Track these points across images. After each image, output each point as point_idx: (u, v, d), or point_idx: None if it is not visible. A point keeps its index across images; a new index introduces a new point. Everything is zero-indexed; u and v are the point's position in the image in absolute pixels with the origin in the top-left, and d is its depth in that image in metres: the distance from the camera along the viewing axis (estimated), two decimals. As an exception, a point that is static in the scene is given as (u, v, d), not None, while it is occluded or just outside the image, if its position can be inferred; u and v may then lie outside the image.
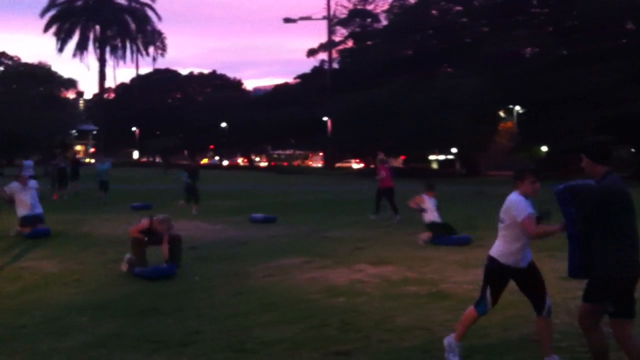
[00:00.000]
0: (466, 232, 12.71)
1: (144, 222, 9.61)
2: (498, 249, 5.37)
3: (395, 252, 11.23)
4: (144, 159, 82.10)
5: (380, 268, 9.68)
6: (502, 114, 50.54)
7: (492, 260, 5.38)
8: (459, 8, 51.74)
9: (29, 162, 26.14)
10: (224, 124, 74.21)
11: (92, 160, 75.35)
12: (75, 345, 5.94)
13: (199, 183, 19.20)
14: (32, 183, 13.90)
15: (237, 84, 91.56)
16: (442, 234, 12.27)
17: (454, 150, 56.61)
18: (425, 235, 12.26)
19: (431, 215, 12.60)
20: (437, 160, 65.22)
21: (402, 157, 65.53)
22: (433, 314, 6.92)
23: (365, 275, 9.11)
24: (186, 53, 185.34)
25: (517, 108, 48.73)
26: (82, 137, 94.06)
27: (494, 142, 50.33)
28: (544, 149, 47.23)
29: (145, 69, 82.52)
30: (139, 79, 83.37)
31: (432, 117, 40.56)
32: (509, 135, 51.57)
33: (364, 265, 9.93)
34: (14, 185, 13.49)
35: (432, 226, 12.47)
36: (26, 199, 13.31)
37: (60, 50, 36.86)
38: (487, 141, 48.30)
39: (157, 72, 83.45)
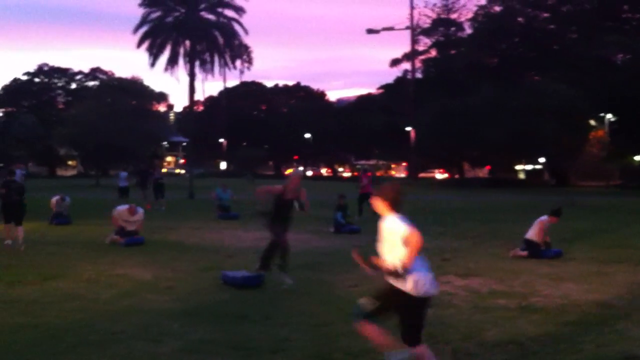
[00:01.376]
0: (556, 246, 12.35)
1: (276, 188, 9.58)
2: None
3: (482, 264, 11.06)
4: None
5: (468, 280, 9.55)
6: (592, 122, 48.92)
7: None
8: (546, 15, 50.58)
9: (124, 174, 27.40)
10: (308, 135, 74.98)
11: (182, 171, 77.58)
12: (168, 350, 6.12)
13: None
14: (139, 214, 14.30)
15: (321, 95, 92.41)
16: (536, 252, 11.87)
17: (541, 159, 55.20)
18: (519, 252, 11.91)
19: (535, 235, 11.96)
20: (524, 170, 63.70)
21: (487, 167, 64.36)
22: (523, 328, 6.77)
23: (453, 287, 9.01)
24: (271, 65, 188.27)
25: (609, 116, 47.07)
26: (173, 149, 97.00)
27: (584, 151, 48.75)
28: (638, 158, 45.42)
29: (232, 81, 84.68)
30: (226, 92, 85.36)
31: (519, 125, 39.73)
32: (600, 144, 49.85)
33: (451, 277, 9.82)
34: (122, 213, 14.06)
35: (530, 244, 11.97)
36: (129, 229, 13.97)
37: (152, 65, 38.07)
38: (577, 150, 46.86)
39: (243, 84, 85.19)
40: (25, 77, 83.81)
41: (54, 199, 18.42)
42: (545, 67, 46.46)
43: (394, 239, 4.90)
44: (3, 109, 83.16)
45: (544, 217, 12.10)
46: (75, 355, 5.97)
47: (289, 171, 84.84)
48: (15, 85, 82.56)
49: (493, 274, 9.98)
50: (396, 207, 5.09)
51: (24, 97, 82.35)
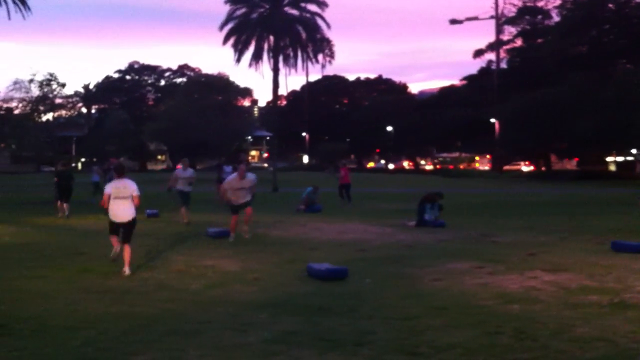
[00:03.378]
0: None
1: None
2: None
3: (571, 258, 10.73)
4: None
5: (556, 275, 9.29)
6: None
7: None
8: (638, 0, 48.34)
9: (228, 168, 27.58)
10: (389, 128, 74.60)
11: (265, 165, 78.77)
12: (255, 341, 6.23)
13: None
14: (250, 179, 13.97)
15: (403, 87, 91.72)
16: None
17: (634, 150, 53.02)
18: None
19: None
20: (615, 162, 61.31)
21: (575, 159, 62.30)
22: (616, 325, 6.54)
23: (540, 283, 8.79)
24: (353, 59, 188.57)
25: None
26: (256, 143, 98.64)
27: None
28: None
29: (315, 75, 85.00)
30: (308, 86, 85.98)
31: (611, 116, 38.28)
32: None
33: (538, 271, 9.59)
34: (232, 182, 13.86)
35: None
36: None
37: (238, 60, 38.71)
38: (673, 141, 44.72)
39: (325, 78, 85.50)
40: (116, 75, 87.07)
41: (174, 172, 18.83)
42: (637, 55, 44.55)
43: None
44: (96, 106, 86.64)
45: None
46: (165, 343, 6.16)
47: (370, 164, 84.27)
48: (108, 83, 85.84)
49: (583, 269, 9.68)
50: (119, 174, 10.13)
51: (115, 94, 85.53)
